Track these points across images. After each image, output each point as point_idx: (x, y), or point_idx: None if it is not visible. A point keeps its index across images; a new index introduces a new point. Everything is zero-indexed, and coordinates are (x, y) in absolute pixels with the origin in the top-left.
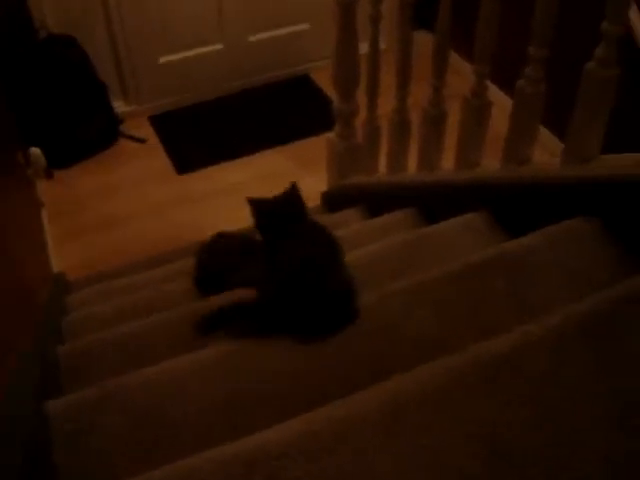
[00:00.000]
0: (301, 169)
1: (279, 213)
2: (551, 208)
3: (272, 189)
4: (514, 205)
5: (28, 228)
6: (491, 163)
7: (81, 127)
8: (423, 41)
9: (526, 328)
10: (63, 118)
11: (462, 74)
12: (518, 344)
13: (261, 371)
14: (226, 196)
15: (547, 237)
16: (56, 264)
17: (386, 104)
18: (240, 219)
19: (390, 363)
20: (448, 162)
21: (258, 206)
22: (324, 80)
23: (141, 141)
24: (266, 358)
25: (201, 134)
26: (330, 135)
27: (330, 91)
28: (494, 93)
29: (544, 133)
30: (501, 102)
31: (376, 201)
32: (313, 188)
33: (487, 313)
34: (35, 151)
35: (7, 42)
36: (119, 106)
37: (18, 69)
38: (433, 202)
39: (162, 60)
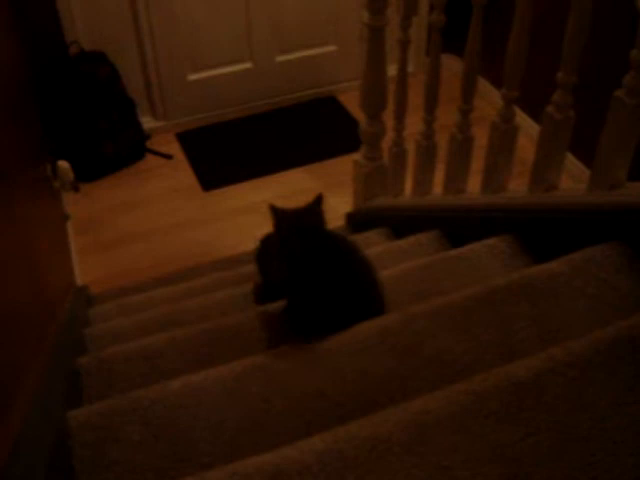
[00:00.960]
0: (325, 189)
1: (299, 223)
2: (577, 234)
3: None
4: (540, 230)
5: (53, 240)
6: (517, 188)
7: (109, 142)
8: (451, 65)
9: (550, 353)
10: (91, 132)
11: (488, 98)
12: (541, 369)
13: (282, 388)
14: (250, 214)
15: (572, 263)
16: (80, 277)
17: (413, 125)
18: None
19: (411, 384)
20: (474, 186)
21: (279, 214)
22: (350, 101)
23: (168, 157)
24: (288, 375)
25: (227, 152)
26: (356, 156)
27: (356, 112)
28: (520, 118)
29: (569, 159)
30: (527, 127)
31: (401, 223)
32: (337, 209)
33: (510, 338)
34: (63, 164)
35: (39, 57)
36: (147, 122)
37: (49, 83)
38: (458, 225)
39: (191, 78)
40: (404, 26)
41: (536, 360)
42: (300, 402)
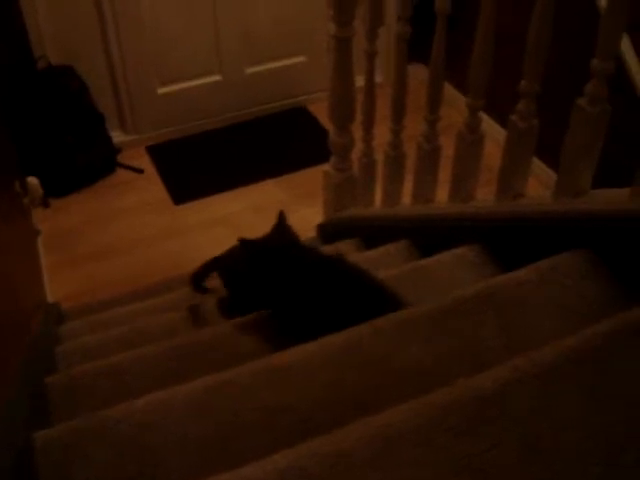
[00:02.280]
0: (297, 200)
1: (272, 248)
2: (544, 242)
3: (267, 220)
4: (507, 239)
5: (23, 256)
6: (485, 197)
7: (79, 156)
8: (417, 73)
9: (514, 363)
10: (61, 147)
11: (455, 106)
12: (505, 380)
13: (250, 403)
14: (222, 226)
15: (539, 271)
16: (51, 293)
17: (382, 135)
18: None
19: (379, 396)
20: (443, 195)
21: (251, 247)
22: (321, 111)
23: (138, 171)
24: (256, 390)
25: (198, 165)
26: (326, 167)
27: (326, 122)
28: (487, 124)
29: (537, 164)
30: (494, 133)
31: (371, 234)
32: (310, 220)
33: (478, 348)
34: (32, 180)
35: (7, 71)
36: (117, 136)
37: (17, 98)
38: (427, 235)
39: (160, 91)
40: (371, 37)
41: (502, 371)
42: (269, 416)
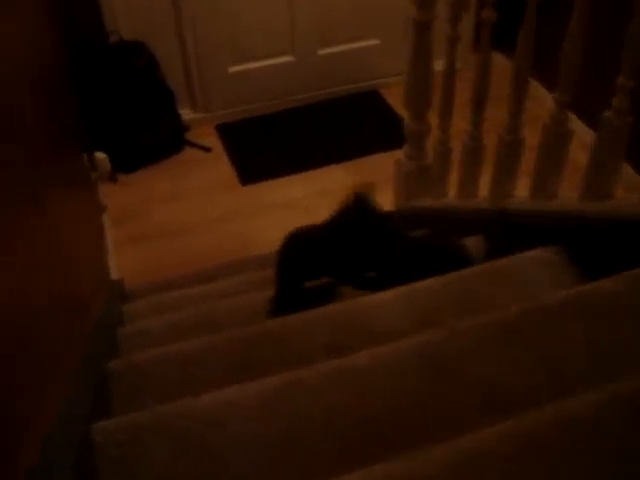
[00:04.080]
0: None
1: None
2: (632, 248)
3: (333, 205)
4: (592, 241)
5: (88, 232)
6: (568, 195)
7: (147, 133)
8: (496, 62)
9: (613, 388)
10: (129, 123)
11: (538, 99)
12: (600, 406)
13: (319, 404)
14: (288, 210)
15: (628, 282)
16: (115, 270)
17: (458, 123)
18: None
19: (452, 411)
20: (521, 190)
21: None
22: (393, 97)
23: (206, 150)
24: (325, 391)
25: (266, 145)
26: (399, 155)
27: (399, 108)
28: (575, 124)
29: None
30: (580, 134)
31: (443, 226)
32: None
33: (563, 363)
34: (100, 155)
35: (79, 45)
36: (186, 113)
37: (88, 72)
38: (504, 231)
39: (232, 70)
40: (454, 21)
41: (593, 395)
42: (336, 423)
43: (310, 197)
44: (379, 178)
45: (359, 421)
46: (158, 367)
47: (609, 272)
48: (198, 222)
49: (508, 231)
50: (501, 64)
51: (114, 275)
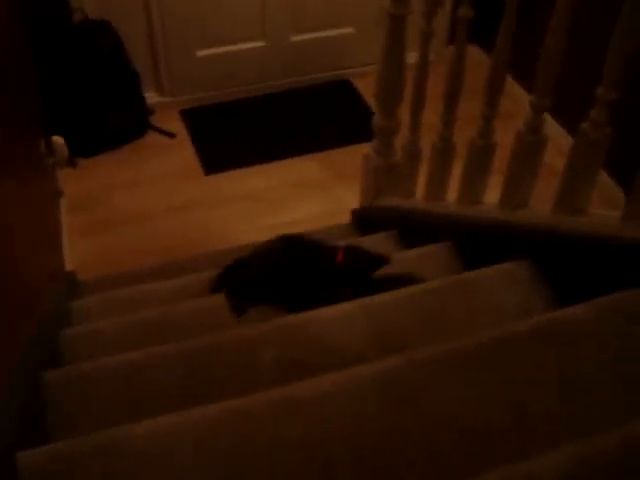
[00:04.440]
0: (334, 180)
1: None
2: (607, 270)
3: (302, 198)
4: (562, 259)
5: (41, 220)
6: (540, 206)
7: (109, 116)
8: (470, 54)
9: (575, 450)
10: (93, 105)
11: (512, 96)
12: (564, 471)
13: (263, 439)
14: (252, 202)
15: (599, 310)
16: (69, 258)
17: (431, 115)
18: (264, 227)
19: (406, 443)
20: (491, 196)
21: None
22: (365, 87)
23: (170, 135)
24: (271, 422)
25: (233, 133)
26: (367, 150)
27: (371, 99)
28: (553, 128)
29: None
30: (558, 138)
31: (409, 228)
32: (345, 202)
33: (529, 394)
34: (58, 140)
35: (41, 24)
36: (151, 97)
37: (50, 52)
38: (472, 240)
39: (200, 53)
40: (428, 16)
41: (560, 458)
42: (285, 453)
43: (277, 188)
44: (349, 172)
45: (308, 454)
46: (101, 380)
47: (577, 291)
48: (159, 212)
49: (477, 240)
50: (476, 57)
51: (68, 265)
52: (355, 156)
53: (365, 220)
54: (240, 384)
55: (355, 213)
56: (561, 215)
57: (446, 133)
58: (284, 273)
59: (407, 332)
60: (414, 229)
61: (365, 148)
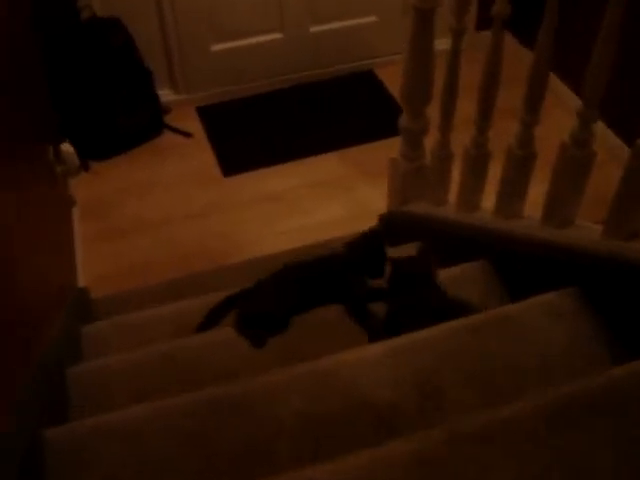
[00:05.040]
0: (358, 179)
1: None
2: None
3: (324, 199)
4: (616, 290)
5: (50, 233)
6: (588, 225)
7: (122, 116)
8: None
9: None
10: (103, 106)
11: (559, 96)
12: None
13: None
14: (274, 204)
15: None
16: (83, 269)
17: (466, 106)
18: (287, 232)
19: None
20: (532, 209)
21: None
22: (390, 77)
23: (187, 135)
24: None
25: (252, 131)
26: (395, 143)
27: (395, 90)
28: (605, 134)
29: None
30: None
31: (441, 239)
32: (371, 202)
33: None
34: (67, 148)
35: (48, 22)
36: (165, 95)
37: (58, 51)
38: (510, 258)
39: (215, 48)
40: (459, 12)
41: None
42: None
43: (299, 189)
44: (374, 169)
45: None
46: (101, 441)
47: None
48: (175, 218)
49: (515, 258)
50: (509, 47)
51: (81, 278)
52: (380, 153)
53: (393, 227)
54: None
55: (383, 218)
56: (613, 240)
57: (481, 139)
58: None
59: (445, 379)
60: (447, 240)
61: (391, 144)
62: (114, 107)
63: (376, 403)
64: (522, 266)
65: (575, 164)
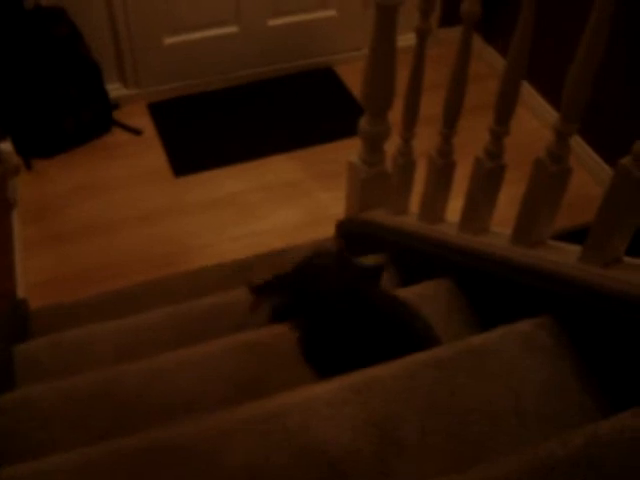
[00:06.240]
0: (317, 181)
1: None
2: None
3: (280, 202)
4: (590, 316)
5: None
6: (562, 246)
7: (69, 113)
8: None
9: None
10: (48, 101)
11: (529, 106)
12: None
13: None
14: (226, 208)
15: None
16: (23, 274)
17: (427, 107)
18: (240, 238)
19: None
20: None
21: None
22: (349, 74)
23: (136, 133)
24: None
25: (205, 129)
26: (352, 157)
27: (356, 88)
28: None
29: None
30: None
31: (402, 252)
32: (329, 207)
33: None
34: (6, 147)
35: None
36: (115, 90)
37: None
38: (477, 279)
39: (168, 41)
40: (425, 10)
41: None
42: None
43: (251, 192)
44: (332, 171)
45: None
46: None
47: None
48: (123, 220)
49: (481, 280)
50: (476, 47)
51: (20, 285)
52: (340, 154)
53: (351, 236)
54: None
55: (340, 226)
56: (591, 266)
57: (446, 147)
58: None
59: (408, 422)
60: (408, 253)
61: (350, 144)
62: (58, 102)
63: (328, 450)
64: (490, 287)
65: (551, 180)
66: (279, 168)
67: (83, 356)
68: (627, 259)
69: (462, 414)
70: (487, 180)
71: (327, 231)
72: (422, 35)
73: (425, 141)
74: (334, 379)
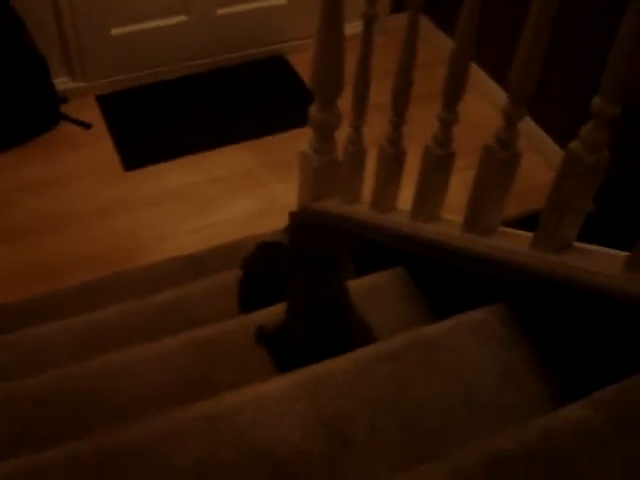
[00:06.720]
0: (268, 172)
1: None
2: (605, 328)
3: (235, 193)
4: (544, 304)
5: None
6: (513, 232)
7: (13, 107)
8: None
9: None
10: None
11: (479, 86)
12: None
13: None
14: (177, 199)
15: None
16: None
17: (377, 95)
18: (197, 230)
19: None
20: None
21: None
22: (301, 63)
23: (86, 126)
24: None
25: (156, 121)
26: (304, 147)
27: (308, 77)
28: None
29: None
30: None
31: (354, 241)
32: (282, 198)
33: None
34: None
35: None
36: (62, 83)
37: None
38: (428, 267)
39: (115, 31)
40: None
41: None
42: None
43: (203, 184)
44: (286, 161)
45: None
46: None
47: (567, 353)
48: (72, 216)
49: (433, 270)
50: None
51: None
52: (292, 143)
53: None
54: None
55: (293, 217)
56: (541, 252)
57: (395, 135)
58: None
59: (359, 419)
60: (359, 243)
61: (303, 134)
62: (3, 97)
63: (275, 450)
64: (443, 276)
65: (500, 166)
66: (232, 158)
67: (34, 356)
68: (578, 244)
69: (413, 408)
70: (437, 168)
71: (284, 221)
72: (369, 21)
73: (377, 129)
74: (286, 375)
